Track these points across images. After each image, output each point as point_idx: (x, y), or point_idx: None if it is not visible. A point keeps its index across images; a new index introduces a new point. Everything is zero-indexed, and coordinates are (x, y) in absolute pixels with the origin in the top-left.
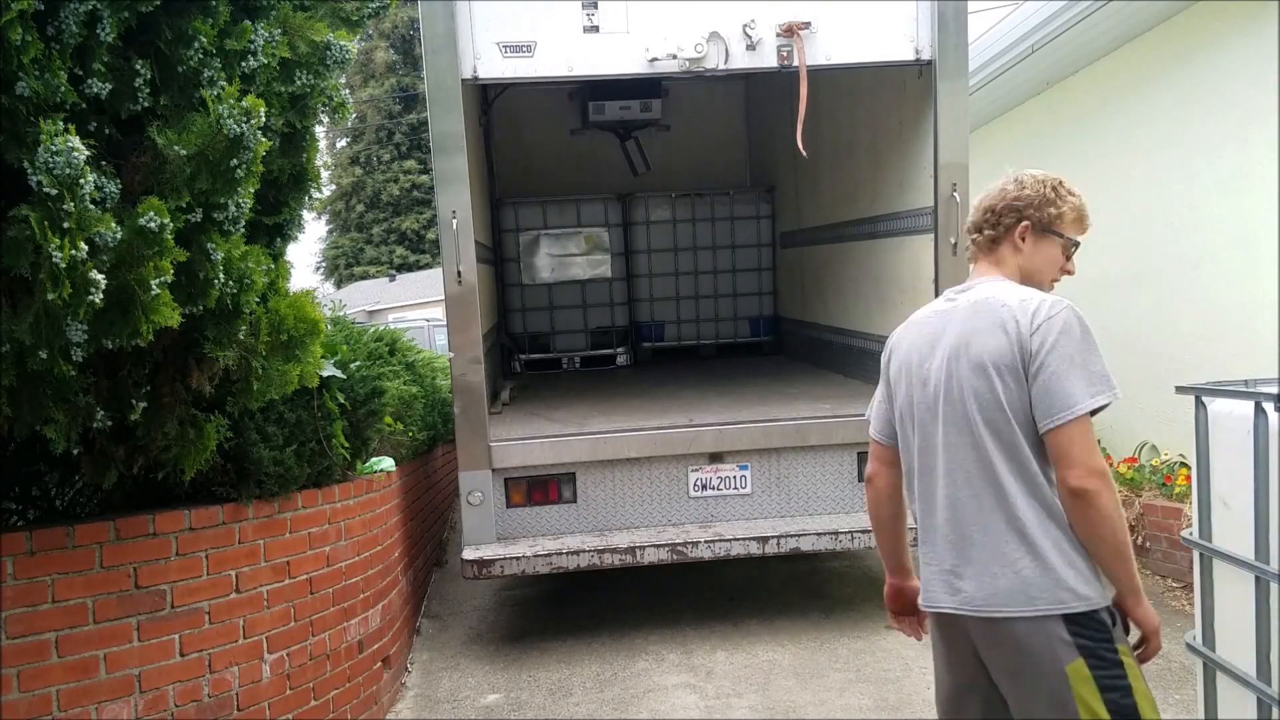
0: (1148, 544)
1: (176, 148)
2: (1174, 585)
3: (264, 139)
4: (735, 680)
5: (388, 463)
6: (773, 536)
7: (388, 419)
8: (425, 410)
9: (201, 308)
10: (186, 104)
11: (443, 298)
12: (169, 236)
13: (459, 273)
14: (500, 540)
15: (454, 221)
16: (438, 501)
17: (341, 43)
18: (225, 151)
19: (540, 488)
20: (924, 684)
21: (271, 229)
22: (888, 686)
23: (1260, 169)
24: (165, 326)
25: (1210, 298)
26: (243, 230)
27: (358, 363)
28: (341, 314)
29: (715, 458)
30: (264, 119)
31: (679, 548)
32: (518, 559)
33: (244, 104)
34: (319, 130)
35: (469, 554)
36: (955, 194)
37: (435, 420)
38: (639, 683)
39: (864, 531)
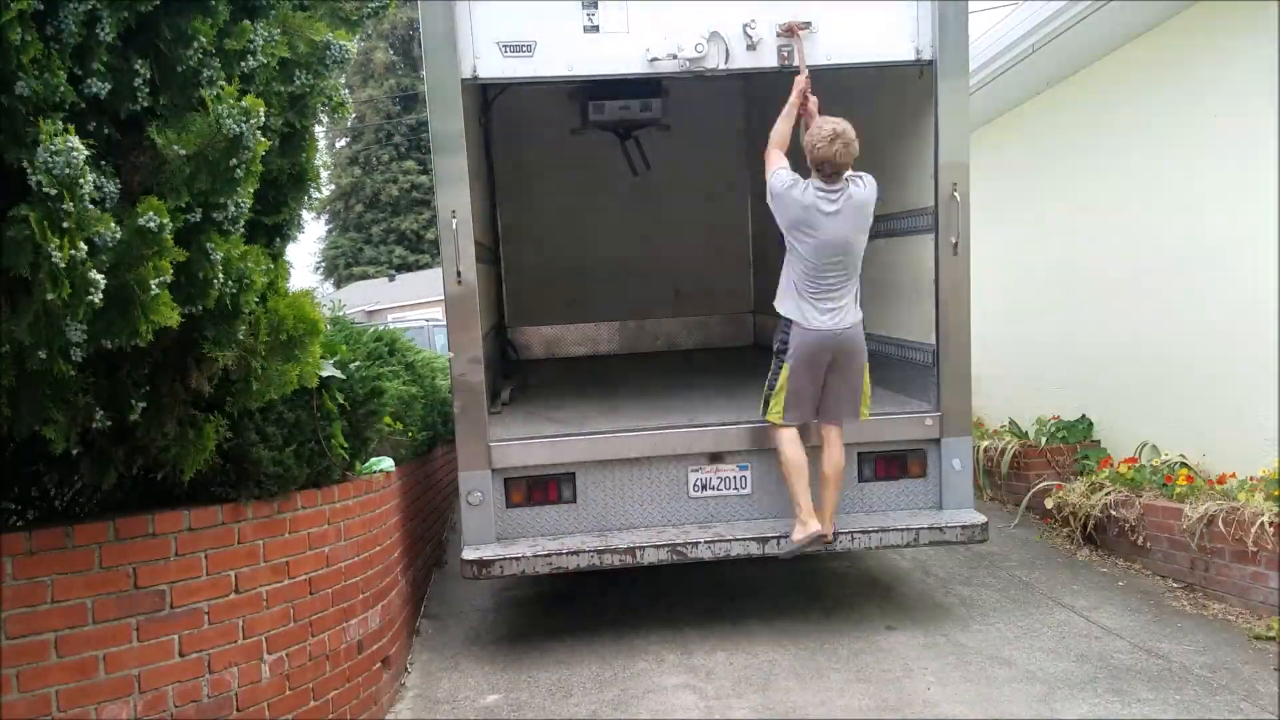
0: (1148, 544)
1: (176, 147)
2: (1174, 586)
3: (263, 139)
4: (735, 681)
5: (387, 463)
6: (773, 537)
7: (387, 419)
8: (425, 410)
9: (201, 308)
10: (186, 104)
11: (442, 298)
12: (168, 236)
13: (459, 273)
14: (500, 540)
15: (454, 221)
16: (438, 502)
17: (341, 43)
18: (224, 151)
19: (540, 488)
20: (924, 684)
21: (271, 229)
22: (888, 687)
23: (1260, 170)
24: (165, 326)
25: (1210, 299)
26: (242, 230)
27: (357, 363)
28: (341, 314)
29: (715, 458)
30: (263, 119)
31: (679, 548)
32: (517, 559)
33: (243, 104)
34: (318, 130)
35: (469, 554)
36: (956, 194)
37: (435, 420)
38: (639, 683)
39: (864, 532)
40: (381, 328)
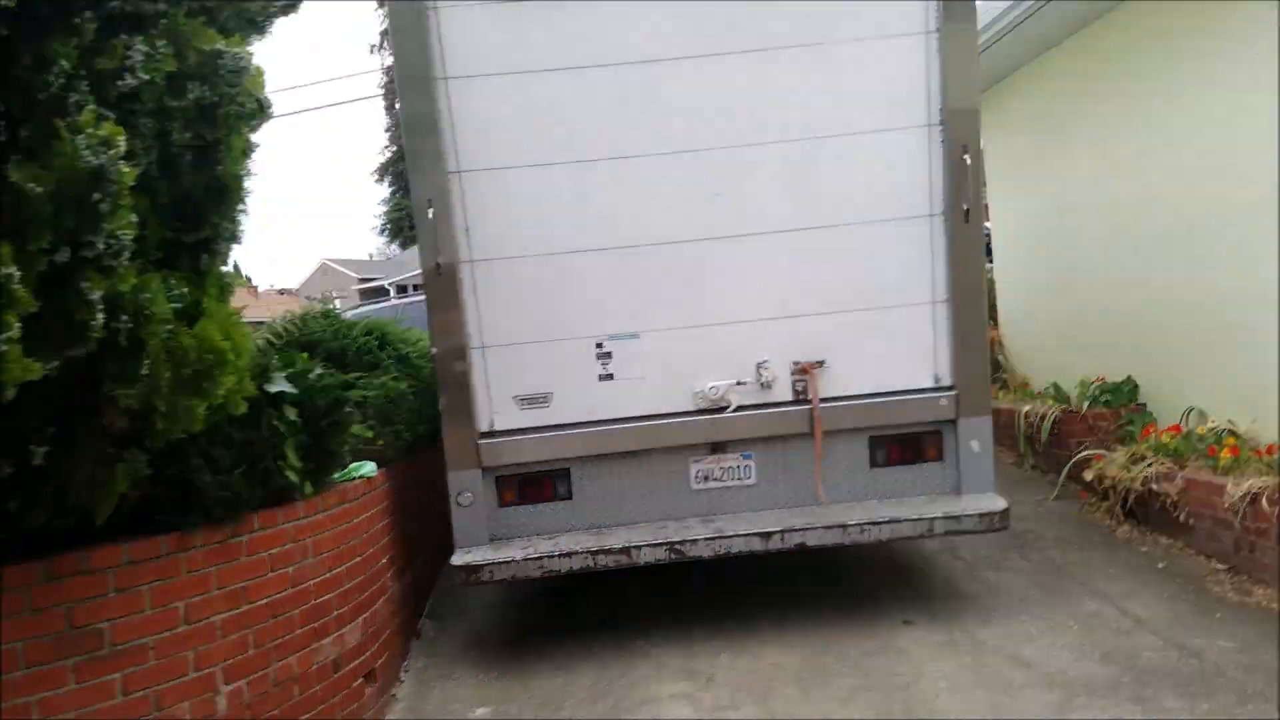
0: (1191, 521)
1: (32, 185)
2: (1218, 567)
3: (127, 167)
4: (734, 690)
5: (369, 467)
6: (776, 531)
7: (357, 428)
8: (419, 403)
9: (84, 351)
10: (54, 134)
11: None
12: (17, 286)
13: (438, 265)
14: (493, 542)
15: (430, 211)
16: (438, 498)
17: (235, 50)
18: (86, 185)
19: (533, 485)
20: (934, 691)
21: (194, 247)
22: (894, 694)
23: None
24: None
25: (1263, 253)
26: (128, 262)
27: (318, 371)
28: (332, 308)
29: (717, 447)
30: (123, 147)
31: (677, 546)
32: (507, 563)
33: (102, 133)
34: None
35: (458, 559)
36: (966, 156)
37: (432, 413)
38: (635, 693)
39: (874, 524)
40: (373, 319)
